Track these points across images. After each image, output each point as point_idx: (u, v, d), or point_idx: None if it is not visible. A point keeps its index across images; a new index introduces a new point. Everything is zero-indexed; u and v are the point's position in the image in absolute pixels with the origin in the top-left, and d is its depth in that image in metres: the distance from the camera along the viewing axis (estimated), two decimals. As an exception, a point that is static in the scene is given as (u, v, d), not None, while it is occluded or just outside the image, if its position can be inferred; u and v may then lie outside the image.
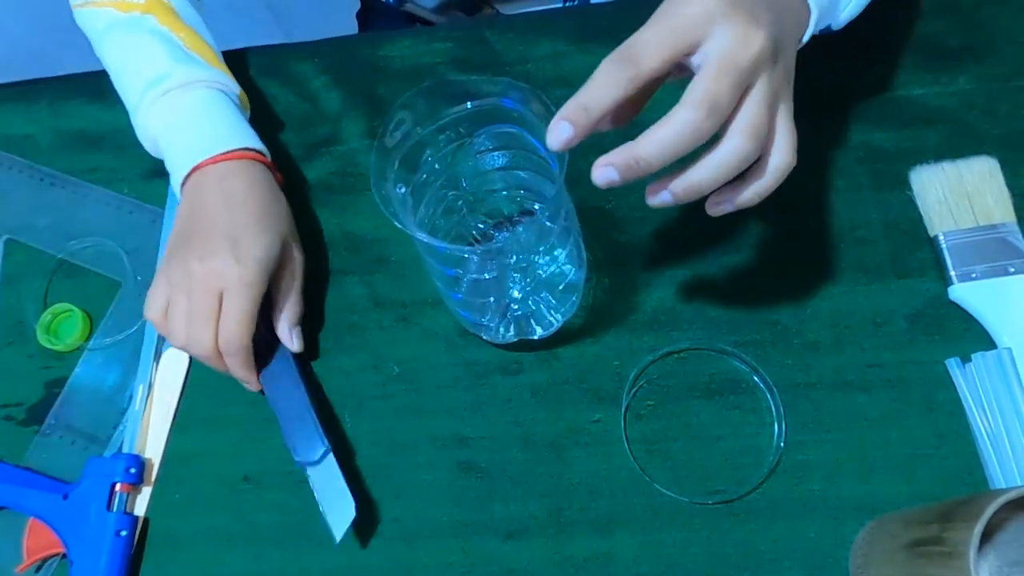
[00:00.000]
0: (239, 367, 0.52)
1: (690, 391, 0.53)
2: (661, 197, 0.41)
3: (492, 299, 0.51)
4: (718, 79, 0.37)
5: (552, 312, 0.53)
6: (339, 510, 0.50)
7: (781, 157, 0.40)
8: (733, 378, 0.54)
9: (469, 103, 0.46)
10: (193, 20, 0.59)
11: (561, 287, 0.52)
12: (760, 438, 0.52)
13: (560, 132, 0.39)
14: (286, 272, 0.54)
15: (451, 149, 0.49)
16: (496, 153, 0.50)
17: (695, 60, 0.39)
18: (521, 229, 0.50)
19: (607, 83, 0.38)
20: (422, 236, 0.43)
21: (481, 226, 0.54)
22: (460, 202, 0.52)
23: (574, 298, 0.54)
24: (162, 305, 0.51)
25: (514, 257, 0.48)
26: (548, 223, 0.47)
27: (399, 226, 0.44)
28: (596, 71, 0.39)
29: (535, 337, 0.53)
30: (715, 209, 0.43)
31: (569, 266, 0.52)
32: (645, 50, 0.38)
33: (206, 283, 0.50)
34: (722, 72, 0.38)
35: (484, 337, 0.54)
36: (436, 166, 0.49)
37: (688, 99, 0.38)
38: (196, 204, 0.53)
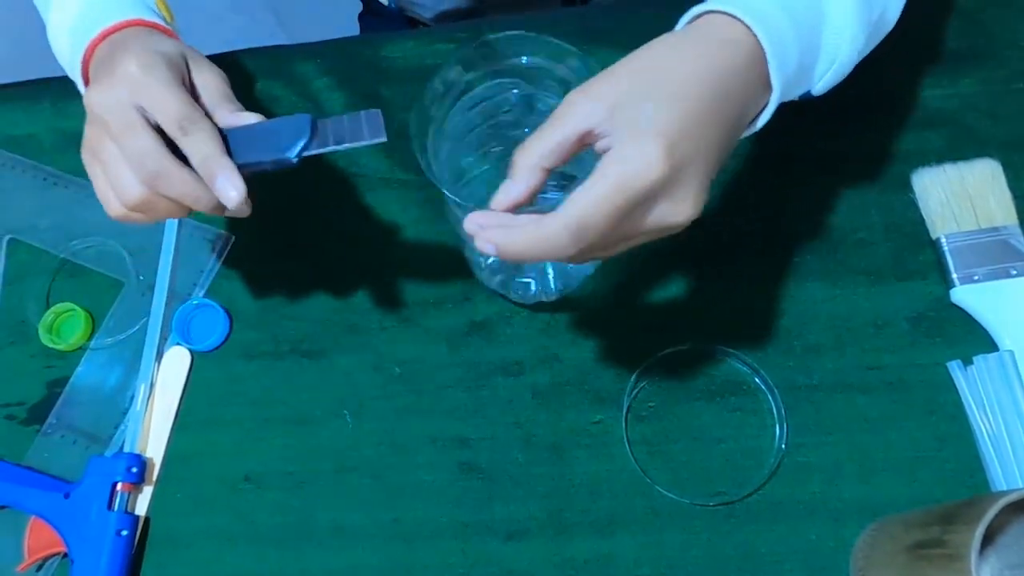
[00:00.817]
0: (205, 142, 0.44)
1: (691, 393, 0.53)
2: (486, 249, 0.41)
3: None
4: (608, 247, 0.39)
5: (556, 276, 0.51)
6: (367, 125, 0.44)
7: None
8: (734, 380, 0.54)
9: (524, 57, 0.46)
10: None
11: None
12: (761, 440, 0.52)
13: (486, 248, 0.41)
14: (200, 81, 0.48)
15: (496, 100, 0.48)
16: (550, 101, 0.49)
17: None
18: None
19: (516, 189, 0.41)
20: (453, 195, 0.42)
21: None
22: (501, 151, 0.50)
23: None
24: (98, 173, 0.46)
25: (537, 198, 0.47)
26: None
27: (440, 187, 0.43)
28: (511, 178, 0.41)
29: (551, 294, 0.52)
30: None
31: None
32: (547, 155, 0.40)
33: (110, 106, 0.44)
34: (605, 207, 0.38)
35: (512, 297, 0.52)
36: (480, 118, 0.48)
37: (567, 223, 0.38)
38: (94, 72, 0.49)
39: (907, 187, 0.57)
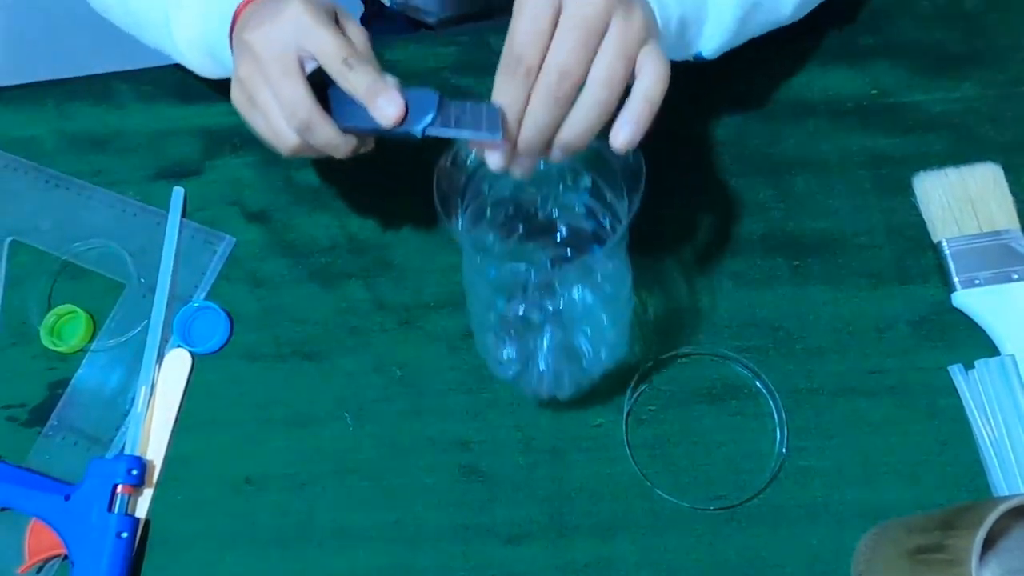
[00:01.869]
0: (368, 72, 0.45)
1: (692, 396, 0.53)
2: (553, 157, 0.43)
3: (517, 341, 0.50)
4: (564, 42, 0.40)
5: (570, 381, 0.51)
6: (486, 119, 0.44)
7: (646, 87, 0.41)
8: (735, 383, 0.54)
9: None
10: None
11: (585, 362, 0.51)
12: (762, 444, 0.52)
13: (492, 160, 0.43)
14: (348, 29, 0.49)
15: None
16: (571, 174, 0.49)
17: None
18: (577, 263, 0.50)
19: (513, 92, 0.41)
20: (473, 245, 0.43)
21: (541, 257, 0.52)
22: (521, 227, 0.51)
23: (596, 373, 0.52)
24: (259, 119, 0.48)
25: (561, 301, 0.48)
26: (605, 262, 0.46)
27: (460, 241, 0.44)
28: (496, 87, 0.41)
29: (543, 395, 0.52)
30: (617, 141, 0.42)
31: (605, 349, 0.50)
32: (526, 49, 0.40)
33: (269, 45, 0.46)
34: (568, 33, 0.40)
35: (497, 374, 0.53)
36: (499, 187, 0.49)
37: (544, 68, 0.40)
38: (242, 28, 0.49)
39: (909, 191, 0.57)
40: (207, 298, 0.59)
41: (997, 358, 0.51)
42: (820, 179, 0.58)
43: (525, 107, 0.41)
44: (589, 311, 0.48)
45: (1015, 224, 0.54)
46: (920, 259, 0.55)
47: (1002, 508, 0.37)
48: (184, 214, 0.61)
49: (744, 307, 0.55)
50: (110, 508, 0.53)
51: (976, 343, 0.53)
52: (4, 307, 0.61)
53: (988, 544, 0.42)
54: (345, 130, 0.48)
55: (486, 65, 0.64)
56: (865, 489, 0.50)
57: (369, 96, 0.45)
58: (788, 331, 0.54)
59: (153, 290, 0.59)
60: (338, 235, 0.60)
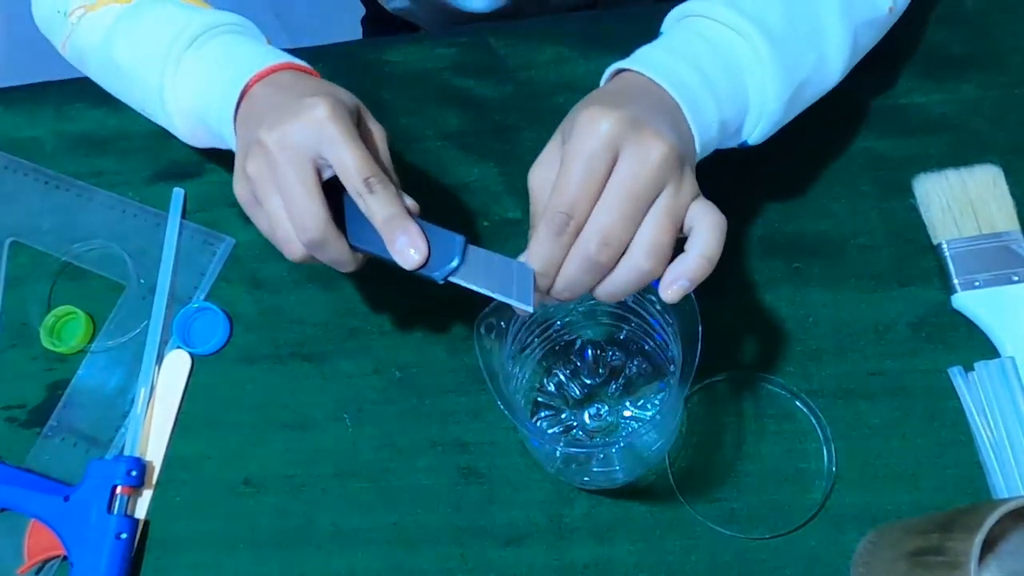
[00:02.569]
0: (391, 202, 0.43)
1: (690, 398, 0.53)
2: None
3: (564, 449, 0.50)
4: (612, 210, 0.39)
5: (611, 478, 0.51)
6: (517, 282, 0.42)
7: (703, 246, 0.40)
8: (735, 385, 0.53)
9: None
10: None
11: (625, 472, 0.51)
12: (761, 446, 0.52)
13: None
14: (368, 139, 0.47)
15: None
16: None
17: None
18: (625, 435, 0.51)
19: (551, 250, 0.40)
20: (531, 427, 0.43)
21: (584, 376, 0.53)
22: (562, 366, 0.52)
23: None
24: (263, 223, 0.45)
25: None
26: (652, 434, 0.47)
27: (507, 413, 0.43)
28: (536, 239, 0.40)
29: (617, 482, 0.51)
30: (667, 294, 0.41)
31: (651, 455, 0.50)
32: (578, 198, 0.39)
33: (286, 149, 0.43)
34: (616, 202, 0.39)
35: (577, 484, 0.52)
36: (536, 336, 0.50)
37: (585, 233, 0.39)
38: (249, 113, 0.47)
39: (908, 192, 0.57)
40: (207, 299, 0.59)
41: (997, 360, 0.51)
42: (819, 180, 0.58)
43: (561, 263, 0.40)
44: (638, 436, 0.48)
45: (1015, 226, 0.54)
46: (920, 261, 0.55)
47: (1001, 510, 0.37)
48: (184, 215, 0.61)
49: (743, 308, 0.55)
50: (109, 509, 0.53)
51: (976, 345, 0.52)
52: (4, 308, 0.61)
53: (987, 546, 0.42)
54: (356, 249, 0.45)
55: (486, 66, 0.64)
56: (864, 491, 0.50)
57: (388, 230, 0.43)
58: (787, 333, 0.54)
59: (153, 291, 0.59)
60: (338, 236, 0.60)
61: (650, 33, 0.63)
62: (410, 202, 0.45)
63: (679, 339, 0.44)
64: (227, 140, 0.50)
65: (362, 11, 0.91)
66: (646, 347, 0.51)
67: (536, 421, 0.52)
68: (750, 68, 0.47)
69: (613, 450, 0.47)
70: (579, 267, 0.40)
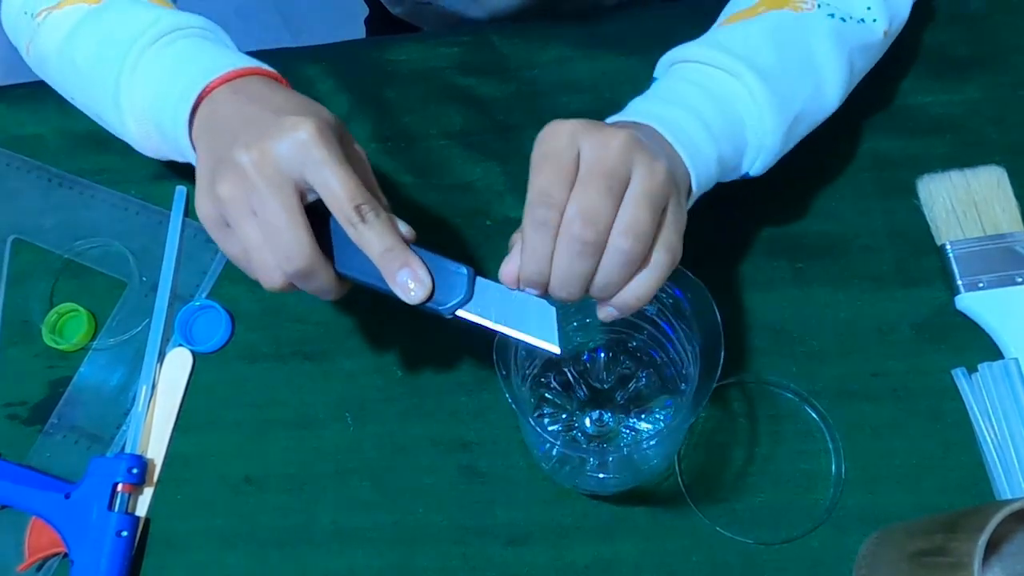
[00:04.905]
0: (387, 232, 0.41)
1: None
2: (602, 316, 0.42)
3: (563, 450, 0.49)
4: (586, 190, 0.38)
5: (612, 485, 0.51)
6: (536, 320, 0.40)
7: (640, 285, 0.40)
8: (737, 387, 0.53)
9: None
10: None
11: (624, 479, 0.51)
12: (763, 447, 0.52)
13: (528, 292, 0.40)
14: (353, 158, 0.43)
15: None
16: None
17: None
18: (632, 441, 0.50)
19: (543, 243, 0.39)
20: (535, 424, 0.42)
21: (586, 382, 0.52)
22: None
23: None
24: (237, 253, 0.42)
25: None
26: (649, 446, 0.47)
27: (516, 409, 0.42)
28: (526, 231, 0.39)
29: (608, 490, 0.51)
30: (603, 314, 0.41)
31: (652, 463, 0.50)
32: (553, 189, 0.38)
33: (266, 171, 0.39)
34: (588, 182, 0.38)
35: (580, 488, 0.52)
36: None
37: (566, 218, 0.38)
38: (214, 122, 0.44)
39: (912, 193, 0.56)
40: (208, 297, 0.59)
41: (1000, 361, 0.51)
42: (823, 181, 0.58)
43: (552, 257, 0.39)
44: (637, 449, 0.48)
45: (1019, 227, 0.54)
46: (923, 262, 0.55)
47: (1005, 511, 0.37)
48: (186, 213, 0.61)
49: (745, 310, 0.55)
50: (110, 507, 0.52)
51: (979, 346, 0.52)
52: (6, 305, 0.61)
53: (991, 548, 0.42)
54: (343, 276, 0.42)
55: (489, 65, 0.64)
56: (868, 492, 0.50)
57: (386, 263, 0.40)
58: (790, 333, 0.54)
59: (155, 289, 0.59)
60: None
61: (651, 33, 0.63)
62: (405, 229, 0.42)
63: (699, 361, 0.43)
64: (182, 146, 0.46)
65: (366, 11, 0.91)
66: (658, 359, 0.51)
67: (538, 415, 0.52)
68: (745, 106, 0.47)
69: (609, 458, 0.47)
70: (568, 252, 0.38)
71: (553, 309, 0.40)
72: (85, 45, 0.51)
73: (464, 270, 0.41)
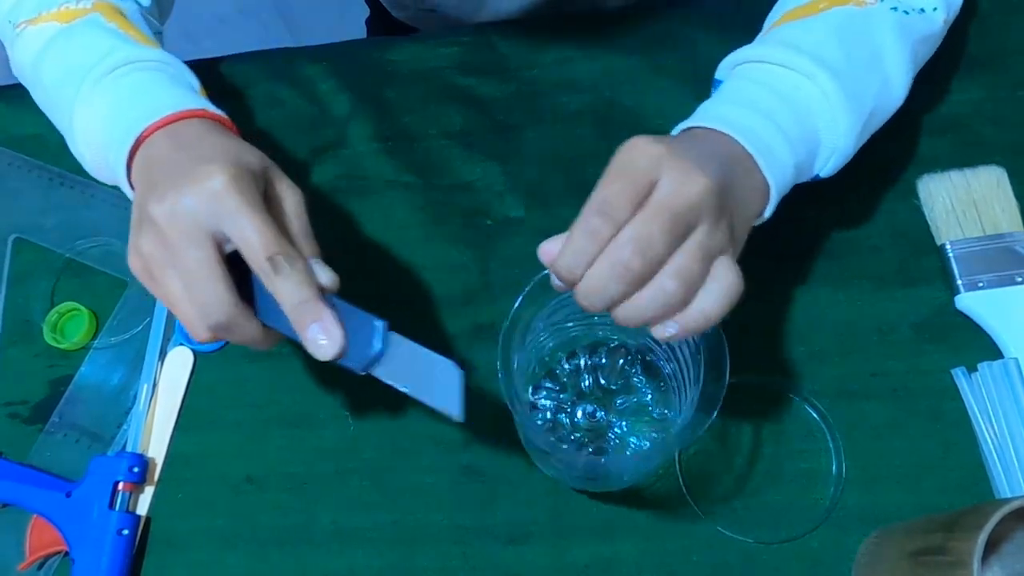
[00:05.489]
0: (301, 285, 0.40)
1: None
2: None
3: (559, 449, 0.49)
4: (650, 221, 0.38)
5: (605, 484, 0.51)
6: (442, 383, 0.39)
7: (708, 302, 0.39)
8: (736, 387, 0.53)
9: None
10: (146, 31, 0.54)
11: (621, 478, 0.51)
12: (764, 447, 0.52)
13: (554, 280, 0.40)
14: (278, 206, 0.43)
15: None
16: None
17: None
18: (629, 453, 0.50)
19: (587, 246, 0.38)
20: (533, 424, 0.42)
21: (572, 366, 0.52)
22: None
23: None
24: (154, 290, 0.42)
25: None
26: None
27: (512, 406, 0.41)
28: (575, 230, 0.39)
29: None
30: (657, 331, 0.40)
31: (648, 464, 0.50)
32: (617, 204, 0.38)
33: (179, 225, 0.39)
34: (655, 214, 0.38)
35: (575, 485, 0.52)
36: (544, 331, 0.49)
37: (620, 238, 0.38)
38: (146, 170, 0.44)
39: (912, 193, 0.56)
40: (209, 297, 0.59)
41: (1000, 361, 0.51)
42: (823, 181, 0.58)
43: (591, 262, 0.38)
44: (612, 459, 0.49)
45: (1019, 227, 0.54)
46: (923, 262, 0.55)
47: (1004, 510, 0.37)
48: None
49: (744, 310, 0.55)
50: (111, 505, 0.53)
51: (979, 346, 0.52)
52: (7, 304, 0.61)
53: (990, 547, 0.42)
54: (268, 326, 0.41)
55: (489, 65, 0.64)
56: (867, 492, 0.50)
57: (297, 317, 0.39)
58: (790, 333, 0.54)
59: (156, 288, 0.59)
60: (340, 235, 0.60)
61: (652, 34, 0.63)
62: (327, 276, 0.41)
63: (696, 404, 0.43)
64: (124, 189, 0.47)
65: (366, 11, 0.92)
66: (666, 376, 0.51)
67: (535, 387, 0.51)
68: (819, 107, 0.46)
69: (582, 456, 0.47)
70: (609, 271, 0.38)
71: (459, 374, 0.38)
72: (50, 67, 0.51)
73: (378, 323, 0.40)
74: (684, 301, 0.39)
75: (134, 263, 0.42)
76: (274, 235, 0.40)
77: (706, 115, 0.45)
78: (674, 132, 0.46)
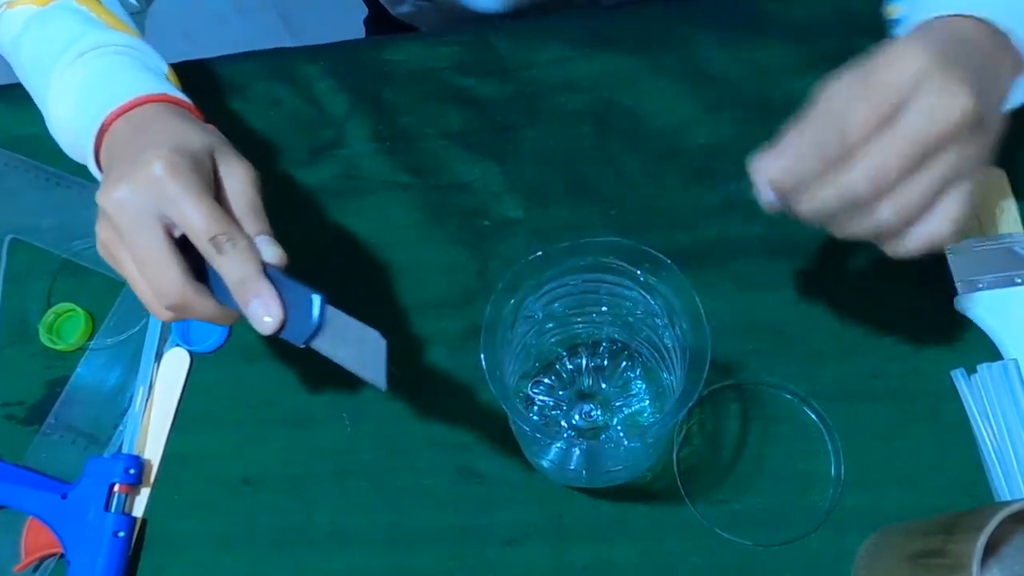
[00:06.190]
0: (242, 262, 0.41)
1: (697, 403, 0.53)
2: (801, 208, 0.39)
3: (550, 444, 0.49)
4: (892, 153, 0.36)
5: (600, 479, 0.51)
6: (370, 354, 0.40)
7: (933, 226, 0.38)
8: (738, 387, 0.53)
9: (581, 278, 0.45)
10: (118, 12, 0.54)
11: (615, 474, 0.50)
12: (764, 447, 0.52)
13: (766, 196, 0.39)
14: (228, 183, 0.44)
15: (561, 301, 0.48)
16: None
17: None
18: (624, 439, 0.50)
19: (806, 160, 0.37)
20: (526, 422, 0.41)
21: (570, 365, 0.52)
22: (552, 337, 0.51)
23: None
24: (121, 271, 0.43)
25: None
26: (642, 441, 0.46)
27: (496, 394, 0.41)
28: (791, 139, 0.37)
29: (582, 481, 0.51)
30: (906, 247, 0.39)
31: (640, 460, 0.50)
32: (859, 128, 0.36)
33: (126, 213, 0.40)
34: (901, 146, 0.36)
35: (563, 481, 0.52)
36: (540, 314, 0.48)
37: (855, 167, 0.36)
38: (108, 158, 0.45)
39: (911, 194, 0.56)
40: (206, 297, 0.59)
41: (1000, 362, 0.51)
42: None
43: (809, 179, 0.37)
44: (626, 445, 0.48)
45: (1018, 228, 0.54)
46: (922, 263, 0.54)
47: (1004, 513, 0.37)
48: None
49: (744, 310, 0.55)
50: (107, 507, 0.52)
51: (978, 347, 0.52)
52: (3, 305, 0.61)
53: (990, 549, 0.42)
54: (225, 303, 0.43)
55: (487, 65, 0.64)
56: (866, 494, 0.50)
57: (240, 294, 0.41)
58: (789, 334, 0.54)
59: (152, 289, 0.59)
60: (338, 235, 0.60)
61: (650, 33, 0.63)
62: (272, 253, 0.42)
63: (686, 369, 0.43)
64: (97, 176, 0.47)
65: (365, 11, 0.91)
66: (651, 363, 0.50)
67: (533, 383, 0.51)
68: None
69: (576, 450, 0.47)
70: (837, 197, 0.37)
71: (384, 343, 0.39)
72: (27, 52, 0.52)
73: (316, 297, 0.41)
74: (901, 228, 0.37)
75: (99, 248, 0.44)
76: (215, 216, 0.41)
77: (941, 3, 0.40)
78: (908, 28, 0.42)
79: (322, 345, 0.42)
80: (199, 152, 0.43)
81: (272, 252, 0.43)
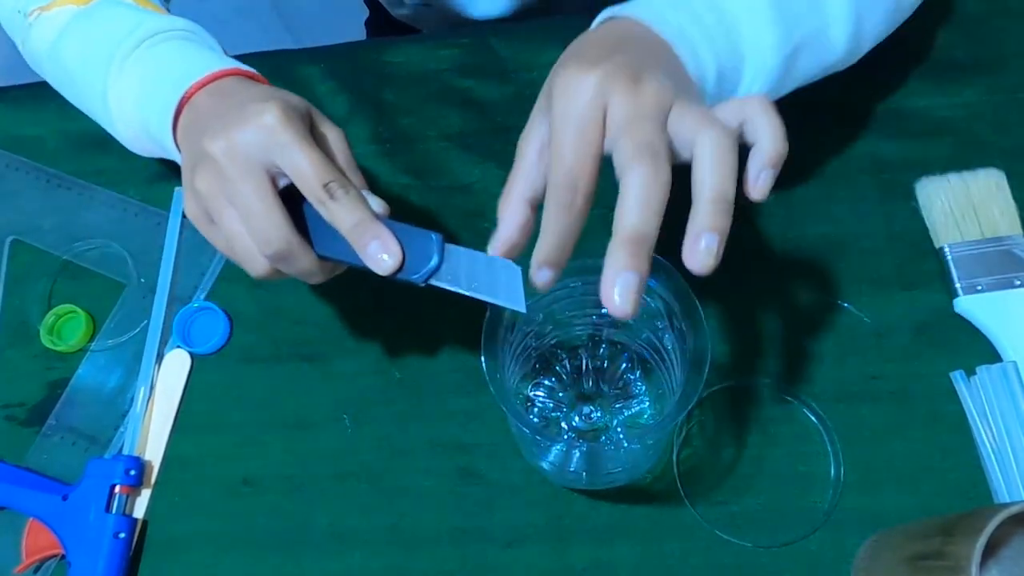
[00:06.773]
0: (356, 207, 0.41)
1: (698, 403, 0.53)
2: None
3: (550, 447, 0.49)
4: (639, 132, 0.37)
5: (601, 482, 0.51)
6: (504, 282, 0.40)
7: (770, 128, 0.37)
8: (737, 387, 0.53)
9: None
10: (158, 2, 0.55)
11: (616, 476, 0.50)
12: (763, 448, 0.52)
13: (542, 277, 0.39)
14: (323, 143, 0.44)
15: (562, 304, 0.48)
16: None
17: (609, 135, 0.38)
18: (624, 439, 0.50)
19: (568, 219, 0.38)
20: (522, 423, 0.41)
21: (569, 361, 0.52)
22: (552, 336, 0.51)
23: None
24: (221, 243, 0.43)
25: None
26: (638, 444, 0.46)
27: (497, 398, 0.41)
28: (546, 215, 0.38)
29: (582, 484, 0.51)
30: (754, 191, 0.39)
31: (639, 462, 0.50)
32: (580, 172, 0.37)
33: (236, 159, 0.40)
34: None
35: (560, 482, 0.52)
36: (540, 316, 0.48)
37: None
38: (194, 124, 0.45)
39: (911, 196, 0.56)
40: (207, 299, 0.59)
41: (999, 364, 0.51)
42: (821, 184, 0.58)
43: (578, 233, 0.38)
44: (627, 447, 0.48)
45: (1017, 230, 0.54)
46: (922, 265, 0.55)
47: (1003, 515, 0.37)
48: (185, 215, 0.61)
49: (743, 311, 0.55)
50: (108, 508, 0.52)
51: (978, 349, 0.52)
52: (4, 306, 0.61)
53: (989, 551, 0.42)
54: (324, 258, 0.43)
55: (488, 67, 0.64)
56: (865, 495, 0.50)
57: (356, 237, 0.41)
58: (788, 336, 0.54)
59: (153, 290, 0.59)
60: (338, 237, 0.60)
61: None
62: (377, 203, 0.43)
63: (686, 369, 0.43)
64: (169, 149, 0.48)
65: (366, 13, 0.92)
66: (651, 364, 0.50)
67: (533, 385, 0.51)
68: (746, 16, 0.44)
69: (577, 451, 0.47)
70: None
71: (518, 270, 0.39)
72: (73, 48, 0.52)
73: (434, 237, 0.42)
74: (665, 167, 0.37)
75: (190, 207, 0.43)
76: (326, 164, 0.41)
77: (634, 7, 0.43)
78: (596, 21, 0.45)
79: (444, 280, 0.41)
80: (300, 108, 0.43)
81: (377, 203, 0.43)
